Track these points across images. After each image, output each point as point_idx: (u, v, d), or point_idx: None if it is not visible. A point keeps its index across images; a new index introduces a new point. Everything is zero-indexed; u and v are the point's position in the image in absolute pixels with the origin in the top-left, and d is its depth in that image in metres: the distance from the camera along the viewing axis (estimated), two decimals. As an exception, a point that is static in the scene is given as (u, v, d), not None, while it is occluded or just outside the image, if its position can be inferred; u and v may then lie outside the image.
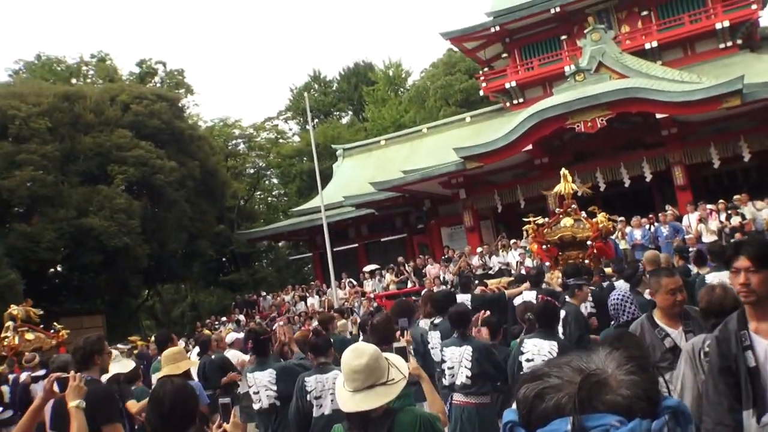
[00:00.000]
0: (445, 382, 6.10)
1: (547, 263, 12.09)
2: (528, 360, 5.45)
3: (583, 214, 11.54)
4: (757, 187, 18.65)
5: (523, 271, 15.10)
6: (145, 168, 26.06)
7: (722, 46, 24.03)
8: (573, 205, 11.31)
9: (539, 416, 0.96)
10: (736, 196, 16.82)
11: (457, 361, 5.95)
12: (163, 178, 26.42)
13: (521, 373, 5.56)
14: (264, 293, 25.81)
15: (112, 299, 27.59)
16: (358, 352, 2.99)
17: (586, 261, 10.79)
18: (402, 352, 3.63)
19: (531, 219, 11.68)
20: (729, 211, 16.12)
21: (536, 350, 5.47)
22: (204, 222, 29.52)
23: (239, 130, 40.97)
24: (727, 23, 23.51)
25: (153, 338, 12.23)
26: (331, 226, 22.34)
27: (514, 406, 1.02)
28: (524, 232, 19.14)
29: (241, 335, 13.21)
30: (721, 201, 16.66)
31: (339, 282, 21.77)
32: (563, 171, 11.60)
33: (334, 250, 22.03)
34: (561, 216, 11.32)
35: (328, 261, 20.30)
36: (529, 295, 8.81)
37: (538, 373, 1.01)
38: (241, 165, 40.53)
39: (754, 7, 23.72)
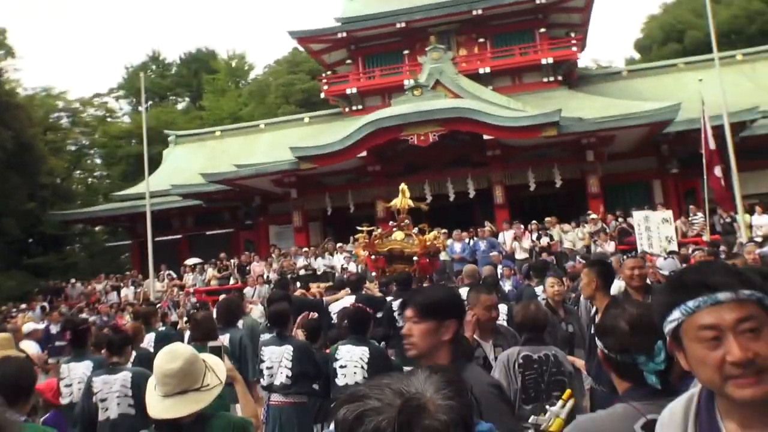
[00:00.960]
0: (264, 382, 5.90)
1: (373, 273, 12.17)
2: (341, 366, 5.41)
3: (415, 230, 11.74)
4: (565, 212, 20.11)
5: (345, 276, 15.06)
6: (-54, 132, 23.23)
7: (545, 79, 25.77)
8: (406, 221, 11.47)
9: None
10: (546, 219, 18.00)
11: (277, 360, 5.79)
12: (-33, 146, 23.71)
13: (335, 380, 5.42)
14: (73, 280, 23.84)
15: None
16: (173, 355, 2.78)
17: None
18: (217, 352, 3.43)
19: (365, 228, 11.69)
20: (540, 232, 17.20)
21: (349, 356, 5.43)
22: (12, 198, 26.87)
23: (64, 103, 37.93)
24: (551, 60, 25.27)
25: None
26: (155, 215, 21.15)
27: (332, 426, 1.01)
28: (351, 238, 19.42)
29: (42, 326, 12.05)
30: (534, 222, 17.74)
31: (158, 274, 20.62)
32: (402, 186, 11.79)
33: (156, 239, 20.81)
34: (394, 229, 11.44)
35: (148, 251, 19.15)
36: (350, 301, 8.71)
37: (358, 395, 1.00)
38: (61, 140, 37.45)
39: (574, 48, 25.77)
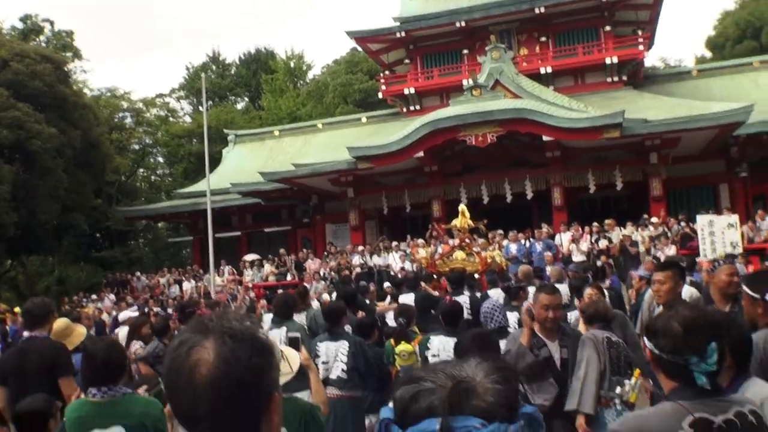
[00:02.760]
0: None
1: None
2: (434, 355, 5.74)
3: (475, 249, 11.98)
4: (625, 215, 19.95)
5: (401, 276, 15.38)
6: (20, 131, 24.43)
7: (609, 80, 25.50)
8: (467, 240, 11.74)
9: (413, 415, 1.06)
10: (606, 221, 17.91)
11: (332, 355, 6.06)
12: (39, 144, 24.92)
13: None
14: (138, 273, 24.88)
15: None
16: None
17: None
18: (295, 343, 3.69)
19: (422, 252, 11.99)
20: (599, 234, 17.15)
21: (441, 347, 5.76)
22: (80, 194, 28.06)
23: (128, 103, 39.30)
24: (615, 59, 24.99)
25: (20, 309, 11.54)
26: (215, 212, 21.85)
27: (390, 404, 1.12)
28: (408, 237, 19.71)
29: (136, 312, 12.76)
30: (595, 224, 17.70)
31: (218, 269, 21.35)
32: (461, 207, 12.09)
33: (216, 236, 21.51)
34: (455, 249, 11.74)
35: (209, 247, 19.85)
36: (407, 298, 9.05)
37: (415, 377, 1.11)
38: (126, 140, 38.85)
39: (641, 47, 25.38)
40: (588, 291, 6.73)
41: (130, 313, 11.29)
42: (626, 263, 16.05)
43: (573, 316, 7.09)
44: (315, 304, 13.15)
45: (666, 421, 2.05)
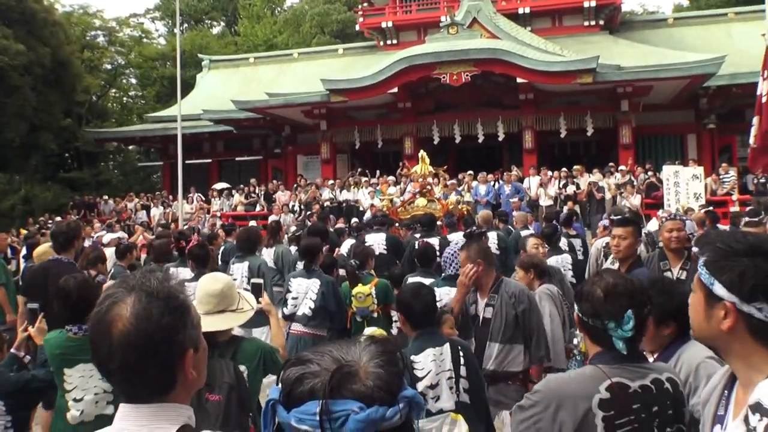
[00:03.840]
0: (286, 311, 6.10)
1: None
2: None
3: (437, 195, 11.78)
4: (594, 161, 19.85)
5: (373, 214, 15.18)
6: (-15, 46, 23.34)
7: (586, 23, 24.96)
8: (428, 187, 11.51)
9: (296, 397, 1.07)
10: (575, 167, 17.79)
11: (303, 292, 6.01)
12: (7, 60, 23.81)
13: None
14: (106, 197, 24.29)
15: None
16: (215, 279, 3.21)
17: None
18: (257, 289, 3.89)
19: (386, 196, 11.75)
20: (566, 180, 17.03)
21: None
22: (49, 114, 27.08)
23: (100, 22, 37.68)
24: (593, 3, 24.37)
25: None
26: (186, 138, 21.29)
27: (279, 385, 1.12)
28: (377, 172, 19.44)
29: (118, 234, 12.39)
30: (563, 169, 17.56)
31: (187, 196, 20.93)
32: (421, 153, 11.76)
33: (186, 162, 21.04)
34: (416, 196, 11.50)
35: (178, 173, 19.36)
36: (375, 238, 8.84)
37: (303, 359, 1.13)
38: (98, 59, 37.42)
39: (619, -9, 24.79)
40: (531, 242, 6.51)
41: (113, 234, 11.02)
42: (592, 209, 16.04)
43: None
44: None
45: (584, 384, 2.09)
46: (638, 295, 2.16)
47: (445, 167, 13.29)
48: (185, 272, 6.60)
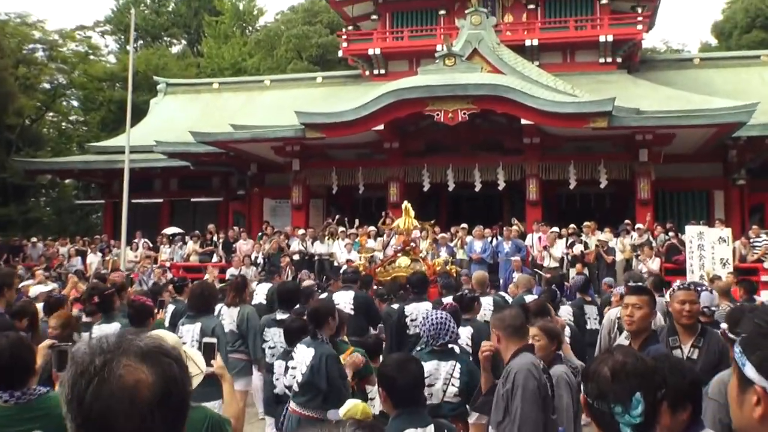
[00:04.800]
0: (285, 383, 6.22)
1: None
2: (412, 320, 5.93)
3: (422, 254, 11.87)
4: (608, 217, 20.11)
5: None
6: None
7: (602, 60, 25.65)
8: (412, 244, 11.60)
9: None
10: (585, 223, 18.02)
11: (301, 362, 6.05)
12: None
13: None
14: (35, 239, 24.13)
15: None
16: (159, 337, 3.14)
17: None
18: (209, 350, 3.89)
19: (363, 254, 11.87)
20: (573, 238, 17.22)
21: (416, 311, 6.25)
22: (-28, 137, 27.14)
23: (40, 34, 37.97)
24: (610, 37, 25.12)
25: None
26: (134, 173, 21.38)
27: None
28: (356, 222, 19.56)
29: (50, 287, 12.28)
30: (571, 225, 17.80)
31: (131, 241, 20.86)
32: (405, 204, 11.85)
33: (133, 201, 21.10)
34: (398, 255, 11.58)
35: (123, 213, 19.42)
36: (343, 297, 8.88)
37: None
38: (35, 77, 37.65)
39: (639, 27, 25.55)
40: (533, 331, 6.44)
41: (42, 287, 10.89)
42: (600, 273, 16.20)
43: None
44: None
45: None
46: (649, 376, 2.19)
47: (432, 222, 13.39)
48: (110, 329, 6.59)
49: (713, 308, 6.33)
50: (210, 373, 3.57)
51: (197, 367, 3.23)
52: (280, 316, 7.61)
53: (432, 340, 5.74)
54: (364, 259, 12.29)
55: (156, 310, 8.50)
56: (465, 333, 7.14)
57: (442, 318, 5.87)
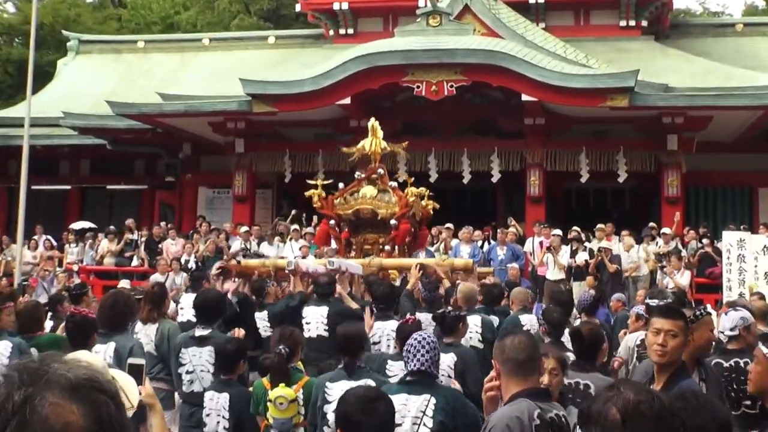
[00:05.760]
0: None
1: (334, 246, 12.39)
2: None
3: (393, 183, 11.82)
4: (628, 218, 20.15)
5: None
6: None
7: (623, 23, 25.66)
8: (380, 171, 11.52)
9: None
10: (599, 225, 18.00)
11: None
12: None
13: None
14: None
15: None
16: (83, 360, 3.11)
17: (387, 248, 11.12)
18: (137, 372, 3.94)
19: (317, 181, 11.83)
20: (576, 244, 17.19)
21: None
22: None
23: None
24: (635, -5, 25.14)
25: None
26: (36, 152, 21.02)
27: None
28: (314, 218, 19.42)
29: None
30: (573, 228, 17.78)
31: (29, 238, 20.60)
32: (372, 122, 11.80)
33: (33, 188, 20.79)
34: (362, 183, 11.48)
35: (20, 202, 19.09)
36: (320, 313, 8.79)
37: None
38: None
39: (670, -18, 25.64)
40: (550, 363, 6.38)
41: None
42: (606, 287, 16.07)
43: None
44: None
45: None
46: (667, 419, 2.17)
47: (405, 143, 13.37)
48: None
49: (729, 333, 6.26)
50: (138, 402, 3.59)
51: (128, 400, 3.22)
52: (200, 332, 7.47)
53: (408, 361, 5.61)
54: (313, 195, 12.09)
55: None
56: (446, 361, 7.03)
57: (419, 339, 5.70)
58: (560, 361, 4.89)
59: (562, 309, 8.45)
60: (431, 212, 12.23)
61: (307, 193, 12.39)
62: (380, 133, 11.67)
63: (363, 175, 11.80)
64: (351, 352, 6.16)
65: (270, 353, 6.94)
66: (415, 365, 5.28)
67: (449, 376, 7.05)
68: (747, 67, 21.64)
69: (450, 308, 8.19)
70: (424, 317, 8.33)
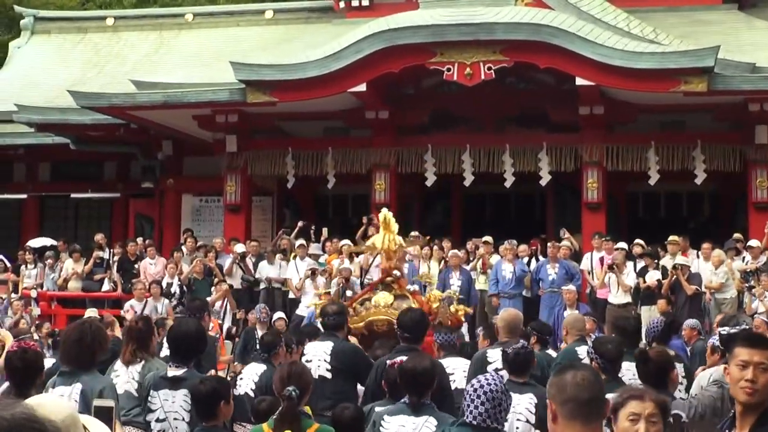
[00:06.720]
0: None
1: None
2: None
3: (410, 287, 11.98)
4: (707, 228, 20.14)
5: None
6: None
7: (701, -11, 25.66)
8: (396, 272, 11.58)
9: None
10: (671, 238, 18.00)
11: None
12: None
13: None
14: None
15: None
16: (48, 411, 3.08)
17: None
18: (106, 415, 4.20)
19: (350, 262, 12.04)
20: (644, 261, 17.21)
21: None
22: None
23: None
24: (714, -45, 25.15)
25: None
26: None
27: None
28: (324, 231, 19.61)
29: None
30: (636, 241, 17.81)
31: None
32: (384, 213, 11.79)
33: (-19, 197, 21.06)
34: (375, 289, 11.59)
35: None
36: (317, 349, 8.94)
37: None
38: None
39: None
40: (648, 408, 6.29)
41: None
42: (680, 311, 16.10)
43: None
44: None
45: None
46: None
47: (428, 237, 13.41)
48: None
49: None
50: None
51: None
52: (173, 372, 7.56)
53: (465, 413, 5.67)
54: (314, 306, 12.22)
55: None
56: (523, 403, 7.18)
57: (497, 387, 5.68)
58: (660, 406, 4.68)
59: (622, 339, 8.50)
60: (462, 320, 12.14)
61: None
62: (395, 227, 11.56)
63: (376, 280, 11.92)
64: (417, 393, 6.33)
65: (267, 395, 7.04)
66: (467, 417, 5.40)
67: (527, 421, 7.17)
68: None
69: (523, 343, 8.30)
70: (457, 362, 8.54)
